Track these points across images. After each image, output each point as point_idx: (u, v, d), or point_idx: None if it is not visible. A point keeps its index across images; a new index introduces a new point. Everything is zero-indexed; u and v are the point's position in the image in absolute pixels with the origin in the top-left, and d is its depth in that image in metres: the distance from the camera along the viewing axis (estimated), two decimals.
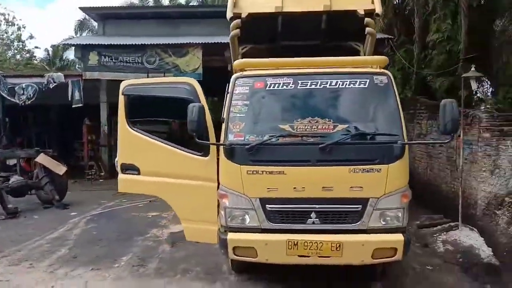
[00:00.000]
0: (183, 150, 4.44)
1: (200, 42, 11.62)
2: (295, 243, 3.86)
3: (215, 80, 12.05)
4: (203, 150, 4.33)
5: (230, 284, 4.63)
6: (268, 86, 4.23)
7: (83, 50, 11.83)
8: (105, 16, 13.62)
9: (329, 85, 4.17)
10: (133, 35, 12.86)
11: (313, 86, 4.18)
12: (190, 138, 4.13)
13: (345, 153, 3.91)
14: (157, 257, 5.58)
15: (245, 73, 4.35)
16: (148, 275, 4.94)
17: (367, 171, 3.88)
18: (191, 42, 11.59)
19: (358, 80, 4.17)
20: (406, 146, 3.96)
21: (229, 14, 5.52)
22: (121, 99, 4.69)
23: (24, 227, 7.24)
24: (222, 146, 4.07)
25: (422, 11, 12.35)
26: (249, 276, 4.77)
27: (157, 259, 5.48)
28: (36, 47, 31.21)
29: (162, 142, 4.56)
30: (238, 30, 5.47)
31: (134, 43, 11.48)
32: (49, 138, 16.38)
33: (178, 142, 4.70)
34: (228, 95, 4.29)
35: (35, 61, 25.17)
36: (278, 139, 4.00)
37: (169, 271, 5.03)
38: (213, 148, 4.23)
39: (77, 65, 31.85)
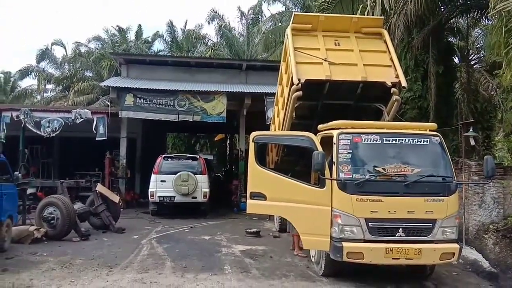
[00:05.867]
0: (303, 183, 6.19)
1: (225, 91, 13.44)
2: (391, 249, 5.71)
3: (230, 120, 13.94)
4: (319, 183, 6.11)
5: (328, 282, 6.28)
6: (363, 140, 6.17)
7: (120, 91, 13.18)
8: (130, 61, 15.08)
9: (404, 142, 6.19)
10: (153, 79, 14.45)
11: (393, 142, 6.18)
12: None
13: (421, 188, 5.89)
14: (252, 266, 7.09)
15: (345, 130, 6.26)
16: (259, 278, 6.45)
17: (435, 200, 5.88)
18: (217, 90, 13.37)
19: (422, 139, 6.25)
20: (457, 184, 6.05)
21: (295, 80, 7.49)
22: (252, 145, 6.40)
23: (108, 247, 8.33)
24: (336, 181, 5.90)
25: None
26: (336, 278, 6.45)
27: (254, 268, 6.99)
28: None
29: (285, 177, 6.27)
30: (300, 92, 7.47)
31: (168, 88, 13.03)
32: (54, 168, 17.04)
33: None
34: (334, 145, 6.15)
35: None
36: (376, 177, 5.91)
37: (272, 275, 6.58)
38: (328, 182, 6.01)
39: (37, 95, 31.98)
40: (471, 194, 9.30)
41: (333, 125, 6.52)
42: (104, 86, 14.38)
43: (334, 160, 6.04)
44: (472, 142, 8.78)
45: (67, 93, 28.40)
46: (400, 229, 5.82)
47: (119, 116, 13.27)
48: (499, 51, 9.40)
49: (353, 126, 6.37)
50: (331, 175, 5.99)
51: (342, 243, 5.77)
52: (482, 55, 20.98)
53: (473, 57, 21.03)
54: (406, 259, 5.75)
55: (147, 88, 12.99)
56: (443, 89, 14.09)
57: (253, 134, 6.48)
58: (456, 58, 18.43)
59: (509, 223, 8.44)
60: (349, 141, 6.14)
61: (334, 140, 6.17)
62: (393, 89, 7.67)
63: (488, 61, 18.44)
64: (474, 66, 19.90)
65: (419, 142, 6.21)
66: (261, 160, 6.52)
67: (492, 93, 18.27)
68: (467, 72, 17.04)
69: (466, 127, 9.08)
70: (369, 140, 6.16)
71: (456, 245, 5.89)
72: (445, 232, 5.89)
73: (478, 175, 9.16)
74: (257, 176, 6.33)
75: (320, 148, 6.12)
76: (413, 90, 14.13)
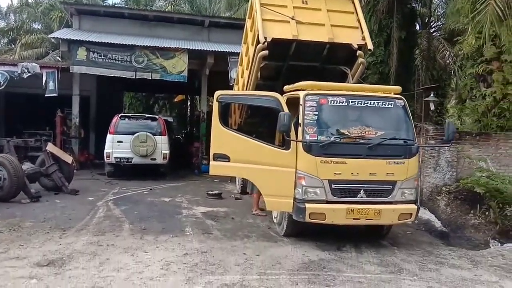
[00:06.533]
0: (268, 144, 6.04)
1: (186, 48, 12.84)
2: (352, 210, 5.77)
3: (191, 80, 13.44)
4: (284, 145, 6.00)
5: (290, 242, 6.29)
6: (329, 102, 6.06)
7: (71, 44, 12.24)
8: (82, 11, 13.98)
9: (369, 104, 6.14)
10: (108, 32, 13.56)
11: (359, 104, 6.12)
12: None
13: (383, 150, 5.92)
14: (213, 228, 6.99)
15: (312, 91, 6.11)
16: (221, 239, 6.36)
17: (396, 163, 5.95)
18: (178, 47, 12.75)
19: (387, 102, 6.23)
20: (418, 147, 6.14)
21: (261, 38, 7.24)
22: (216, 105, 6.13)
23: (61, 210, 7.91)
24: (301, 143, 5.81)
25: None
26: (297, 238, 6.49)
27: (215, 229, 6.89)
28: None
29: (249, 138, 6.09)
30: (266, 51, 7.26)
31: (124, 43, 12.26)
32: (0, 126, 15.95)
33: None
34: (300, 106, 6.01)
35: None
36: (341, 139, 5.86)
37: (234, 236, 6.51)
38: (293, 144, 5.90)
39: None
40: (427, 158, 9.62)
41: (299, 86, 6.36)
42: (53, 38, 13.30)
43: (300, 121, 5.92)
44: (432, 107, 8.97)
45: (13, 46, 26.30)
46: (362, 190, 5.87)
47: (71, 71, 12.41)
48: (462, 18, 9.52)
49: (320, 88, 6.23)
50: (296, 137, 5.88)
51: (305, 204, 5.76)
52: (441, 23, 21.38)
53: (433, 25, 21.37)
54: (366, 219, 5.84)
55: (102, 42, 12.15)
56: (404, 54, 14.28)
57: (218, 93, 6.20)
58: (417, 25, 18.65)
59: (461, 185, 8.84)
60: (315, 102, 6.01)
61: (301, 101, 6.02)
62: (358, 52, 7.59)
63: (447, 29, 18.81)
64: (434, 34, 20.27)
65: (383, 105, 6.20)
66: (225, 121, 6.29)
67: (448, 61, 18.74)
68: (427, 39, 17.31)
69: (426, 93, 9.23)
70: (335, 102, 6.06)
71: (414, 206, 6.05)
72: (404, 194, 6.01)
73: (434, 139, 9.46)
74: (221, 137, 6.12)
75: (286, 109, 5.97)
76: (375, 55, 14.20)
